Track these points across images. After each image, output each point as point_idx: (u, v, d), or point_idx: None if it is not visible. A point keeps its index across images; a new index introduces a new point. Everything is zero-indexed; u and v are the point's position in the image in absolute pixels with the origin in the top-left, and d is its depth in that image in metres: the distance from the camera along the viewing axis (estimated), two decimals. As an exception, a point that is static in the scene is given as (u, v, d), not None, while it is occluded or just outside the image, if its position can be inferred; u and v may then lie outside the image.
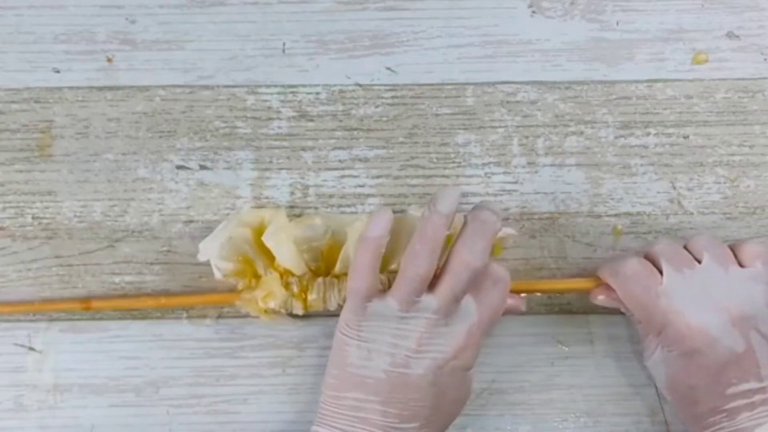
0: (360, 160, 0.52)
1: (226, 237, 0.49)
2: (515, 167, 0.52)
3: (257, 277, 0.49)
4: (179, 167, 0.52)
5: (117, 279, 0.51)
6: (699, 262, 0.46)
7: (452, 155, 0.52)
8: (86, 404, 0.51)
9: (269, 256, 0.49)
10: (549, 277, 0.51)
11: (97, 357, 0.51)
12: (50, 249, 0.51)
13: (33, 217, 0.52)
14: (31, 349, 0.51)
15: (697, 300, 0.45)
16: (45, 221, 0.52)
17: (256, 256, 0.49)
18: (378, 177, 0.52)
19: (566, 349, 0.51)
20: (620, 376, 0.51)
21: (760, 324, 0.45)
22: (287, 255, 0.49)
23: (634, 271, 0.46)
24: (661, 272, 0.46)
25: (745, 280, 0.46)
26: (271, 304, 0.48)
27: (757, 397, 0.44)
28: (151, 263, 0.51)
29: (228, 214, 0.51)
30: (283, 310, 0.49)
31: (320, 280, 0.49)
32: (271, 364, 0.51)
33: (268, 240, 0.49)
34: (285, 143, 0.52)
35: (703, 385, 0.45)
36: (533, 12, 0.53)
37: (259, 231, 0.50)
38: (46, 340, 0.51)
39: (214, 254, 0.49)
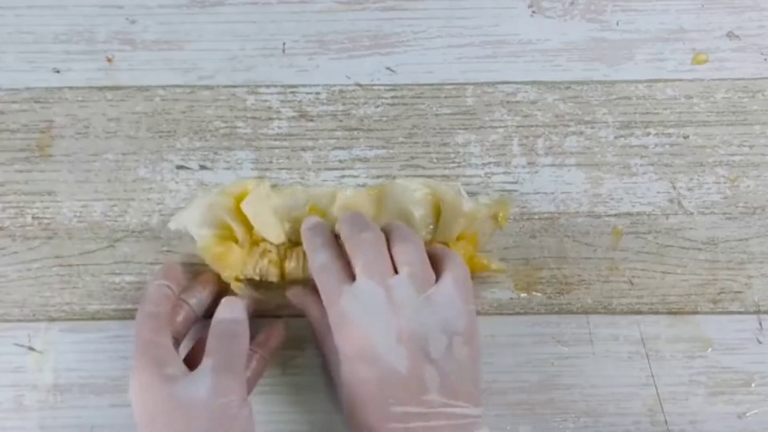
0: (360, 160, 0.52)
1: (207, 204, 0.49)
2: (515, 167, 0.52)
3: (237, 244, 0.49)
4: (179, 167, 0.52)
5: (117, 279, 0.51)
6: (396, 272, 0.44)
7: (452, 155, 0.52)
8: (86, 404, 0.51)
9: (248, 225, 0.49)
10: (549, 277, 0.51)
11: (97, 357, 0.51)
12: (50, 249, 0.51)
13: (33, 217, 0.52)
14: (31, 349, 0.51)
15: (373, 310, 0.42)
16: (45, 221, 0.52)
17: (235, 225, 0.49)
18: (378, 177, 0.52)
19: (566, 349, 0.51)
20: (620, 376, 0.51)
21: (431, 348, 0.42)
22: (265, 223, 0.49)
23: (324, 263, 0.45)
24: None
25: (427, 302, 0.43)
26: (245, 272, 0.49)
27: (415, 424, 0.41)
28: (151, 263, 0.51)
29: (207, 186, 0.52)
30: (257, 278, 0.49)
31: (300, 248, 0.49)
32: (271, 364, 0.51)
33: (246, 207, 0.49)
34: (285, 143, 0.52)
35: (366, 399, 0.42)
36: (533, 12, 0.53)
37: (240, 200, 0.50)
38: (46, 340, 0.51)
39: (194, 222, 0.49)
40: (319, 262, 0.45)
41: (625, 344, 0.51)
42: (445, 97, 0.52)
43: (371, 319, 0.43)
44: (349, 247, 0.45)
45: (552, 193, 0.52)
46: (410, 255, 0.44)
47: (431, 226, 0.50)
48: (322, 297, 0.45)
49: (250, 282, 0.49)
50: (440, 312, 0.43)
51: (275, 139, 0.52)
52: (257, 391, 0.51)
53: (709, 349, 0.51)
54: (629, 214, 0.52)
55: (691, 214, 0.52)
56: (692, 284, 0.51)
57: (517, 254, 0.52)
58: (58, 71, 0.52)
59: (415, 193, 0.50)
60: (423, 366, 0.42)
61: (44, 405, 0.50)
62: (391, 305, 0.43)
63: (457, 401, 0.42)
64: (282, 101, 0.52)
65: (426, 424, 0.42)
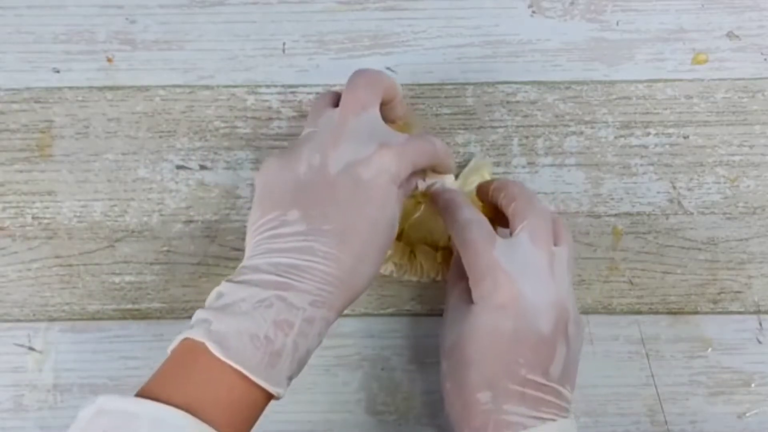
0: (360, 160, 0.52)
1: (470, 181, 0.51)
2: (515, 167, 0.52)
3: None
4: (179, 167, 0.52)
5: (117, 279, 0.51)
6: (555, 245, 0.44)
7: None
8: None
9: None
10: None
11: (97, 357, 0.51)
12: (50, 249, 0.51)
13: (33, 217, 0.52)
14: (31, 349, 0.51)
15: (533, 269, 0.43)
16: (45, 221, 0.52)
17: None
18: (378, 177, 0.52)
19: (566, 349, 0.51)
20: (620, 376, 0.51)
21: (570, 326, 0.43)
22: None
23: (472, 217, 0.44)
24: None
25: (572, 284, 0.45)
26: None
27: (533, 393, 0.41)
28: (151, 263, 0.51)
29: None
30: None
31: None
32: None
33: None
34: (285, 143, 0.52)
35: (495, 352, 0.42)
36: (533, 12, 0.53)
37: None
38: (46, 340, 0.51)
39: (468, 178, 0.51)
40: (466, 216, 0.44)
41: (625, 344, 0.51)
42: (445, 97, 0.52)
43: (531, 277, 0.43)
44: (516, 206, 0.45)
45: (552, 193, 0.52)
46: (568, 235, 0.45)
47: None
48: (468, 248, 0.43)
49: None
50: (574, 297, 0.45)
51: (275, 139, 0.52)
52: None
53: (709, 349, 0.51)
54: (629, 214, 0.52)
55: (691, 214, 0.52)
56: (692, 284, 0.51)
57: (517, 254, 0.52)
58: (58, 71, 0.52)
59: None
60: (559, 338, 0.42)
61: (44, 405, 0.50)
62: (552, 272, 0.43)
63: (567, 385, 0.43)
64: (282, 101, 0.52)
65: (540, 396, 0.41)
